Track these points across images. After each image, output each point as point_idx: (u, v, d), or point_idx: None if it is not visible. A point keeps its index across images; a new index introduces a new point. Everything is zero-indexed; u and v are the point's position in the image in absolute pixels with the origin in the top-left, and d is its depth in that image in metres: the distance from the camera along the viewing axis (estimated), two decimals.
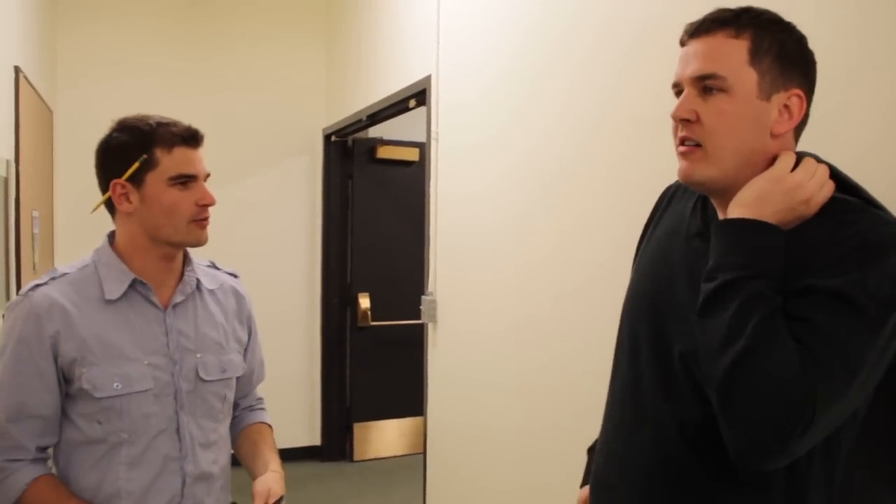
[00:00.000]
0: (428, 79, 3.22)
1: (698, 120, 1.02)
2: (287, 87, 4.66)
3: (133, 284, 1.40)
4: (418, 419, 3.54)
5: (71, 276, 1.39)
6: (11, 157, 2.78)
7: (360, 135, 4.66)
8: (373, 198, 4.75)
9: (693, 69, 1.03)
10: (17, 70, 2.86)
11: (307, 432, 4.78)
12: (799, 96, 1.03)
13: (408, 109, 3.63)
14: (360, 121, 4.14)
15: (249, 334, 1.60)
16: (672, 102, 1.06)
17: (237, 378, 1.54)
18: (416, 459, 3.51)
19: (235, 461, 1.56)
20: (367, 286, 4.74)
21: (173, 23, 4.41)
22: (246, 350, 1.58)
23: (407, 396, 4.21)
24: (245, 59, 4.54)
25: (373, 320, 4.71)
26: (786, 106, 1.02)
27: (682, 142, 1.05)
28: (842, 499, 0.99)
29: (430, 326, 3.23)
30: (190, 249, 1.48)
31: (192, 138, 1.39)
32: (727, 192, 1.03)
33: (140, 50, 4.32)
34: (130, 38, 4.30)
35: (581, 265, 2.18)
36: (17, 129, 2.86)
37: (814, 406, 0.87)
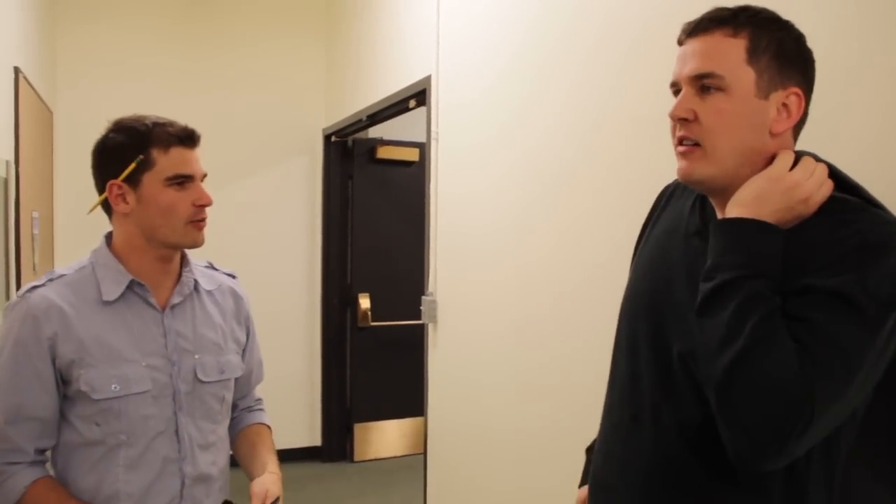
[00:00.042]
0: (428, 79, 3.22)
1: (696, 119, 1.02)
2: (287, 87, 4.66)
3: (131, 286, 1.39)
4: (419, 419, 3.54)
5: (68, 278, 1.39)
6: (11, 157, 2.78)
7: (360, 135, 4.66)
8: (373, 198, 4.75)
9: (691, 68, 1.03)
10: (16, 71, 2.86)
11: (307, 433, 4.78)
12: (797, 95, 1.02)
13: (408, 109, 3.63)
14: (360, 121, 4.14)
15: (247, 335, 1.59)
16: (672, 102, 1.05)
17: (236, 379, 1.53)
18: (417, 460, 3.51)
19: (234, 462, 1.56)
20: (367, 286, 4.74)
21: (173, 23, 4.41)
22: (244, 351, 1.57)
23: (407, 397, 4.22)
24: (245, 59, 4.54)
25: (373, 321, 4.71)
26: (784, 104, 1.02)
27: (681, 141, 1.04)
28: (842, 499, 0.99)
29: (430, 327, 3.23)
30: (188, 250, 1.47)
31: (188, 138, 1.38)
32: (726, 191, 1.03)
33: (140, 50, 4.32)
34: (130, 38, 4.31)
35: (581, 265, 2.18)
36: (16, 130, 2.86)
37: (812, 406, 0.87)
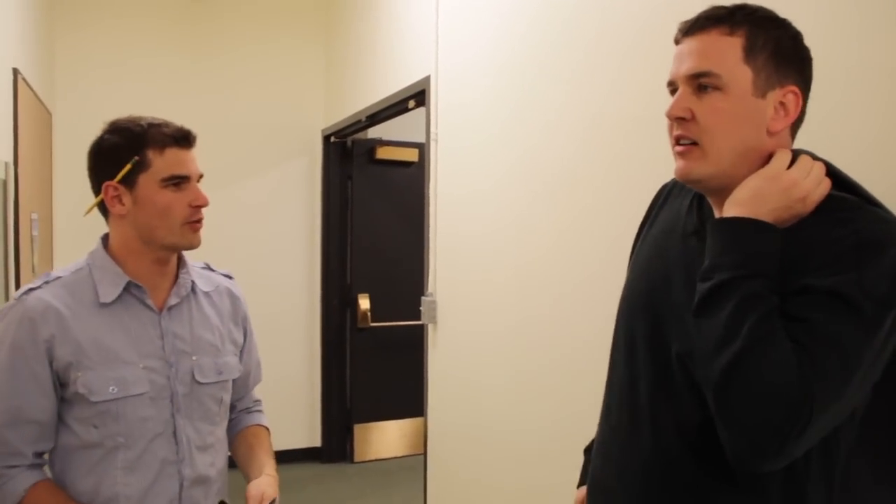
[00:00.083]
0: (427, 79, 3.22)
1: (693, 118, 1.02)
2: (286, 87, 4.66)
3: (128, 287, 1.39)
4: (418, 420, 3.54)
5: (65, 280, 1.38)
6: (10, 159, 2.77)
7: (360, 135, 4.65)
8: (372, 199, 4.75)
9: (687, 67, 1.03)
10: (15, 72, 2.86)
11: (307, 433, 4.78)
12: (795, 93, 1.02)
13: (407, 110, 3.63)
14: (359, 121, 4.14)
15: (245, 336, 1.59)
16: (670, 101, 1.05)
17: (234, 380, 1.53)
18: (417, 460, 3.51)
19: (232, 463, 1.55)
20: (366, 287, 4.74)
21: (172, 24, 4.41)
22: (242, 352, 1.57)
23: (407, 397, 4.22)
24: (244, 60, 4.54)
25: (373, 321, 4.71)
26: (781, 103, 1.02)
27: (678, 140, 1.04)
28: (842, 499, 0.99)
29: (430, 327, 3.23)
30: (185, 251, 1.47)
31: (184, 139, 1.38)
32: (724, 190, 1.02)
33: (139, 51, 4.32)
34: (129, 39, 4.30)
35: (581, 265, 2.18)
36: (15, 132, 2.85)
37: (811, 407, 0.86)
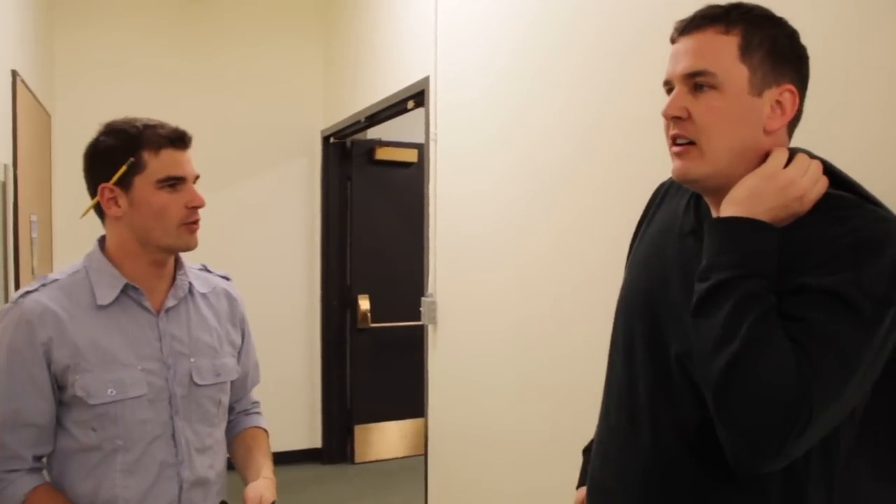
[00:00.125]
0: (426, 80, 3.22)
1: (690, 117, 1.01)
2: (285, 88, 4.66)
3: (125, 289, 1.38)
4: (419, 421, 3.53)
5: (62, 282, 1.38)
6: (9, 161, 2.77)
7: (359, 136, 4.65)
8: (372, 199, 4.75)
9: (683, 66, 1.02)
10: (14, 74, 2.86)
11: (308, 434, 4.78)
12: (791, 92, 1.02)
13: (406, 110, 3.62)
14: (358, 122, 4.14)
15: (243, 337, 1.59)
16: (666, 100, 1.04)
17: (232, 382, 1.53)
18: (417, 461, 3.51)
19: (231, 465, 1.55)
20: (366, 288, 4.74)
21: (171, 25, 4.41)
22: (240, 353, 1.57)
23: (407, 398, 4.21)
24: (243, 60, 4.54)
25: (373, 322, 4.71)
26: (778, 102, 1.01)
27: (675, 140, 1.04)
28: (842, 498, 0.98)
29: (430, 328, 3.23)
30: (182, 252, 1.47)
31: (179, 140, 1.37)
32: (721, 189, 1.02)
33: (138, 52, 4.31)
34: (128, 40, 4.30)
35: (581, 265, 2.17)
36: (14, 133, 2.85)
37: (810, 407, 0.86)
